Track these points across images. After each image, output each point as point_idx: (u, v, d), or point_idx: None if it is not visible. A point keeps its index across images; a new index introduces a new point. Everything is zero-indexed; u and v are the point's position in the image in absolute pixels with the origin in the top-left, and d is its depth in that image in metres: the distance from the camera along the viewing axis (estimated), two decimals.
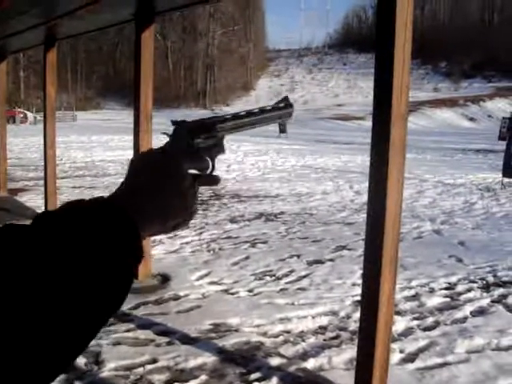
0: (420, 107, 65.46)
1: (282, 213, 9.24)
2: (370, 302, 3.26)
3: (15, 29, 6.91)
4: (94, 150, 19.82)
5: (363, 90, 74.64)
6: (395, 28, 2.83)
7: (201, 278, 5.72)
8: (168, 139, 0.86)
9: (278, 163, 17.31)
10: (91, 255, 0.62)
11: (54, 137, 7.93)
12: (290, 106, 1.02)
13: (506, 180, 13.16)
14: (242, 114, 0.95)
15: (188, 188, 0.80)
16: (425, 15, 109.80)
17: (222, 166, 16.08)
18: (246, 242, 7.23)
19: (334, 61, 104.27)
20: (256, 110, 0.97)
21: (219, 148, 0.89)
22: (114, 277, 0.64)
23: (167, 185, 0.78)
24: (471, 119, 66.28)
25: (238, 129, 0.93)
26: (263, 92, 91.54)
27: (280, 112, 1.01)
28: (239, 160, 17.84)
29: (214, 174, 0.87)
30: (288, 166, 16.47)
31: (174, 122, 0.87)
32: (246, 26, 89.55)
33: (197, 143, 0.86)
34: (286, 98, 1.02)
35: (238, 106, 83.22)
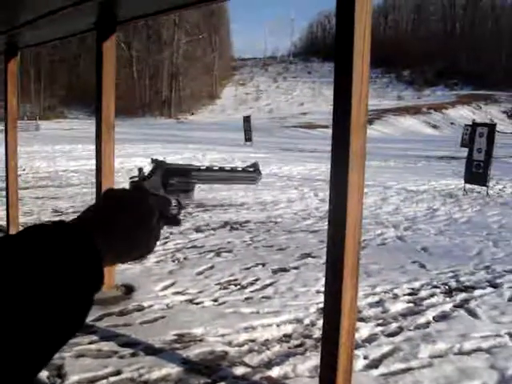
0: (384, 115, 66.20)
1: (247, 221, 9.24)
2: (332, 311, 3.28)
3: None
4: (58, 160, 19.56)
5: (328, 98, 75.18)
6: (353, 38, 2.86)
7: (165, 288, 5.69)
8: (140, 173, 0.89)
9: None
10: (48, 281, 0.62)
11: (16, 147, 7.81)
12: (259, 172, 1.10)
13: (468, 186, 13.39)
14: (215, 168, 0.99)
15: (155, 225, 0.83)
16: (388, 24, 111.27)
17: None
18: (211, 251, 7.21)
19: (299, 69, 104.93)
20: (228, 168, 1.05)
21: (189, 194, 0.93)
22: (72, 302, 0.65)
23: (138, 221, 0.80)
24: (434, 127, 67.23)
25: (208, 181, 0.98)
26: (228, 101, 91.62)
27: (248, 175, 1.09)
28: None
29: (179, 217, 0.91)
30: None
31: (153, 161, 0.91)
32: (210, 34, 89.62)
33: (170, 184, 0.88)
34: (255, 165, 1.08)
35: (204, 114, 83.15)
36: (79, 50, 77.73)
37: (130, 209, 0.80)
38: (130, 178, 0.90)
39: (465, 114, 68.97)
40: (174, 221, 0.92)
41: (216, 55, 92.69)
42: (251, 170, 1.08)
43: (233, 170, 1.05)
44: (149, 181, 0.89)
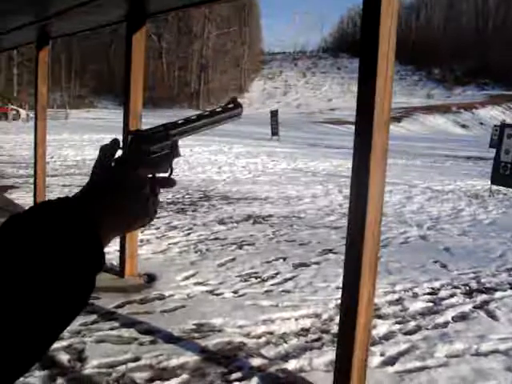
0: (413, 113, 65.70)
1: (270, 215, 9.28)
2: (349, 307, 3.31)
3: (9, 26, 6.93)
4: (86, 149, 19.80)
5: (356, 94, 74.86)
6: (379, 37, 2.88)
7: (187, 278, 5.76)
8: (125, 147, 0.88)
9: (268, 166, 17.35)
10: (50, 261, 0.66)
11: (45, 135, 7.95)
12: (240, 106, 1.06)
13: (495, 187, 13.26)
14: (193, 117, 0.99)
15: (148, 194, 0.86)
16: (420, 21, 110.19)
17: (213, 167, 16.14)
18: (234, 243, 7.27)
19: (328, 65, 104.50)
20: (206, 113, 1.02)
21: (174, 152, 0.93)
22: (74, 280, 0.67)
23: (128, 194, 0.83)
24: (463, 126, 66.56)
25: (190, 132, 0.96)
26: (257, 95, 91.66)
27: (230, 113, 1.05)
28: (230, 162, 17.87)
29: (172, 177, 0.92)
30: (278, 169, 16.51)
31: (129, 132, 0.91)
32: (240, 28, 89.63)
33: (153, 150, 0.90)
34: (234, 99, 1.06)
35: None
36: (111, 39, 78.22)
37: (116, 185, 0.82)
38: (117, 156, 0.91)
39: (495, 115, 68.21)
40: (169, 182, 0.92)
41: (245, 49, 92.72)
42: (231, 106, 1.05)
43: (212, 112, 1.03)
44: (128, 155, 0.89)
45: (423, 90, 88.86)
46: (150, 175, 0.88)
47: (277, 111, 32.22)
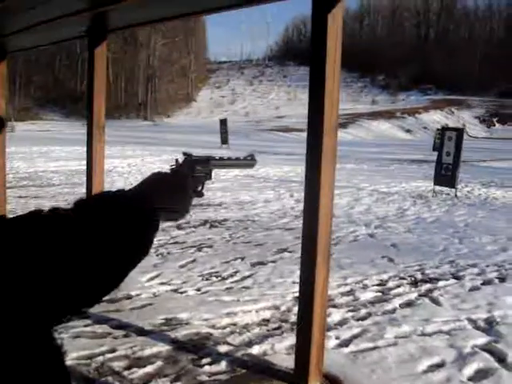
0: (358, 119, 67.00)
1: (225, 220, 9.65)
2: (306, 290, 3.71)
3: None
4: (36, 161, 19.77)
5: (303, 101, 75.88)
6: (326, 52, 3.30)
7: (151, 279, 6.07)
8: (178, 163, 1.34)
9: (220, 173, 17.70)
10: (140, 220, 1.05)
11: (4, 147, 8.12)
12: (255, 160, 1.56)
13: (438, 188, 13.94)
14: (225, 157, 1.45)
15: (189, 197, 1.28)
16: (363, 29, 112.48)
17: None
18: (193, 246, 7.61)
19: (275, 73, 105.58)
20: (234, 157, 1.50)
21: (208, 176, 1.38)
22: (149, 229, 1.07)
23: (179, 193, 1.24)
24: (408, 131, 68.18)
25: (219, 167, 1.42)
26: (204, 104, 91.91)
27: (248, 162, 1.56)
28: None
29: (203, 191, 1.35)
30: (231, 176, 16.86)
31: (184, 154, 1.35)
32: (187, 37, 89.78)
33: (197, 170, 1.32)
34: (252, 155, 1.56)
35: (180, 117, 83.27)
36: (55, 50, 77.30)
37: (174, 185, 1.23)
38: (170, 166, 1.33)
39: (438, 119, 70.09)
40: (200, 194, 1.36)
41: (192, 58, 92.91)
42: (249, 158, 1.52)
43: (237, 158, 1.50)
44: (182, 168, 1.32)
45: (368, 97, 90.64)
46: (193, 187, 1.30)
47: (226, 120, 32.63)
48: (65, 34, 6.22)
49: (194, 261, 6.88)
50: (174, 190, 1.22)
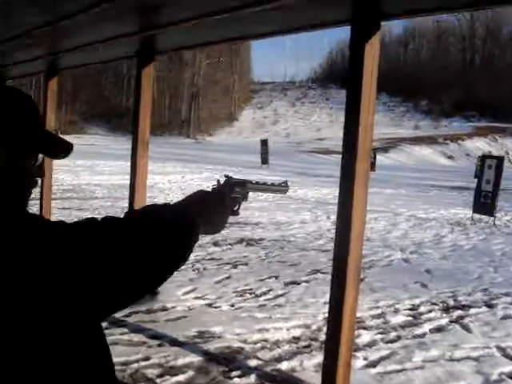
0: (400, 144, 66.62)
1: (261, 239, 9.80)
2: (336, 310, 3.82)
3: (23, 57, 7.47)
4: (80, 174, 20.27)
5: None
6: (362, 80, 3.45)
7: (186, 293, 6.24)
8: (219, 183, 1.51)
9: (258, 193, 17.87)
10: (182, 228, 1.21)
11: (51, 160, 8.44)
12: (288, 187, 1.72)
13: (477, 216, 13.86)
14: (261, 182, 1.63)
15: (226, 215, 1.44)
16: (408, 53, 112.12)
17: None
18: (228, 263, 7.77)
19: (317, 95, 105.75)
20: (269, 183, 1.66)
21: (245, 197, 1.54)
22: (188, 241, 1.22)
23: (218, 210, 1.40)
24: (450, 157, 67.51)
25: (255, 190, 1.58)
26: (246, 124, 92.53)
27: (281, 188, 1.71)
28: None
29: (239, 210, 1.52)
30: (268, 196, 17.04)
31: (225, 176, 1.53)
32: (231, 57, 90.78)
33: (235, 191, 1.50)
34: (285, 182, 1.72)
35: (221, 136, 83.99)
36: (102, 67, 78.91)
37: (215, 202, 1.40)
38: (212, 185, 1.50)
39: (481, 146, 69.25)
40: (236, 213, 1.52)
41: (236, 78, 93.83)
42: (283, 184, 1.68)
43: (272, 184, 1.65)
44: (223, 188, 1.48)
45: (411, 122, 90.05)
46: (231, 206, 1.48)
47: (267, 140, 32.90)
48: (114, 54, 6.51)
49: (229, 277, 7.04)
50: (214, 207, 1.39)
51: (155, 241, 1.15)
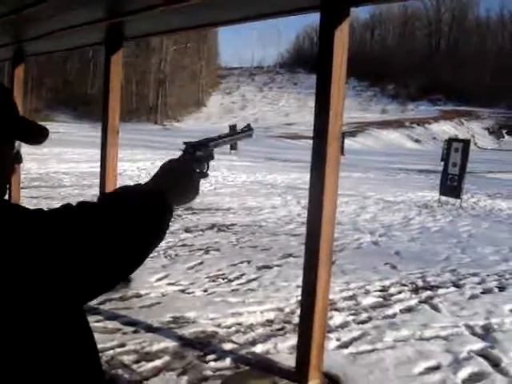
0: (367, 128, 67.12)
1: (232, 224, 9.84)
2: (308, 293, 3.89)
3: None
4: (48, 162, 20.04)
5: (313, 109, 76.13)
6: (332, 65, 3.49)
7: (159, 279, 6.27)
8: (182, 152, 1.47)
9: (229, 179, 17.89)
10: (154, 203, 1.24)
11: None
12: (251, 129, 1.68)
13: (444, 198, 14.09)
14: (223, 135, 1.58)
15: (195, 180, 1.43)
16: (374, 39, 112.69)
17: None
18: (200, 249, 7.80)
19: (285, 80, 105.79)
20: (232, 132, 1.63)
21: (211, 157, 1.52)
22: (162, 216, 1.25)
23: (184, 178, 1.40)
24: (416, 141, 68.20)
25: (221, 144, 1.55)
26: (214, 109, 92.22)
27: (246, 133, 1.66)
28: None
29: (207, 171, 1.50)
30: (239, 182, 17.07)
31: (184, 143, 1.50)
32: (199, 43, 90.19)
33: (198, 154, 1.47)
34: (249, 125, 1.66)
35: (189, 122, 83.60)
36: (67, 53, 77.76)
37: (180, 171, 1.40)
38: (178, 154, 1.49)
39: (447, 129, 70.09)
40: (205, 175, 1.50)
41: (203, 64, 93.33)
42: (246, 128, 1.68)
43: (235, 132, 1.65)
44: (184, 155, 1.47)
45: (378, 106, 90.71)
46: (197, 169, 1.45)
47: (235, 126, 32.80)
48: (82, 41, 6.45)
49: (201, 263, 7.08)
50: (181, 176, 1.39)
51: (130, 222, 1.17)
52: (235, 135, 1.65)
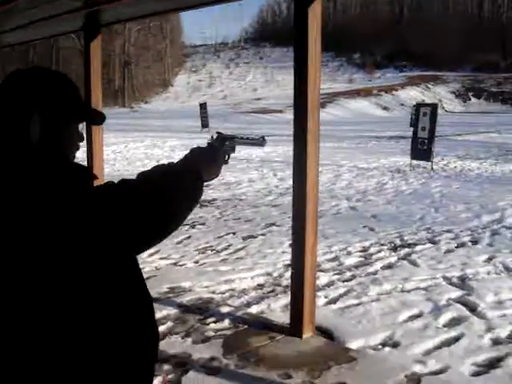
0: (336, 98, 67.42)
1: (214, 199, 10.13)
2: (298, 253, 4.21)
3: None
4: None
5: (280, 83, 76.14)
6: (308, 41, 3.78)
7: (151, 255, 6.53)
8: (213, 138, 1.82)
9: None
10: (190, 180, 1.53)
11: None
12: (265, 141, 1.99)
13: (415, 162, 14.52)
14: (245, 137, 1.92)
15: (221, 164, 1.76)
16: (337, 8, 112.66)
17: (151, 161, 16.74)
18: (186, 224, 8.07)
19: (251, 55, 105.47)
20: (251, 137, 1.97)
21: (233, 149, 1.85)
22: (196, 188, 1.55)
23: (214, 160, 1.72)
24: (385, 108, 68.73)
25: (240, 144, 1.89)
26: (182, 88, 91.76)
27: (261, 141, 1.98)
28: (167, 155, 18.53)
29: (228, 160, 1.83)
30: None
31: (217, 132, 1.83)
32: (161, 22, 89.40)
33: (226, 144, 1.81)
34: (263, 137, 2.00)
35: (157, 102, 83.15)
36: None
37: (211, 155, 1.72)
38: (207, 140, 1.81)
39: (414, 95, 70.64)
40: (226, 162, 1.84)
41: (168, 43, 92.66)
42: (261, 138, 2.00)
43: (253, 138, 1.97)
44: (215, 142, 1.79)
45: (344, 75, 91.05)
46: (224, 157, 1.79)
47: (205, 104, 32.96)
48: (61, 29, 6.62)
49: (189, 237, 7.37)
50: (211, 159, 1.71)
51: (171, 193, 1.46)
52: (253, 140, 1.97)
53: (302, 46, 3.84)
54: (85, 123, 1.65)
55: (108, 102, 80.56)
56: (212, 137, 1.85)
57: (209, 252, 6.71)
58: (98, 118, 1.61)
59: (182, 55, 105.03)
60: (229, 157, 1.85)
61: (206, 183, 1.63)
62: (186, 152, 1.72)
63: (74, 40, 76.56)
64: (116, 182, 1.47)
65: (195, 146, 1.76)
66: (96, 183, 1.53)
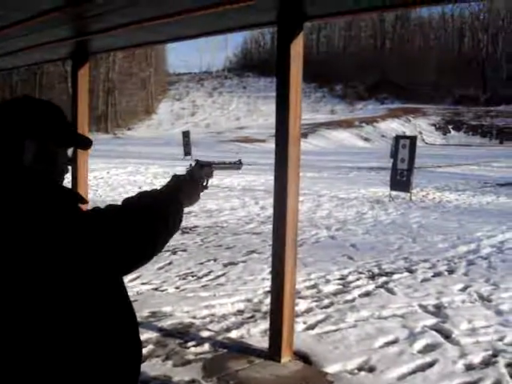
0: (317, 129, 67.99)
1: (196, 226, 10.23)
2: (277, 280, 4.33)
3: None
4: None
5: (263, 112, 76.69)
6: (289, 74, 3.95)
7: (132, 280, 6.61)
8: (192, 166, 1.92)
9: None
10: (172, 206, 1.65)
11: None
12: (242, 164, 2.10)
13: (394, 193, 14.74)
14: (221, 162, 2.04)
15: (200, 190, 1.88)
16: (320, 40, 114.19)
17: (134, 187, 16.81)
18: (168, 250, 8.17)
19: (234, 84, 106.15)
20: (227, 162, 2.09)
21: (211, 175, 1.96)
22: (177, 215, 1.67)
23: (193, 187, 1.84)
24: (366, 139, 69.37)
25: (218, 169, 2.00)
26: (165, 116, 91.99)
27: (238, 165, 2.10)
28: (149, 182, 18.61)
29: (207, 185, 1.94)
30: None
31: (195, 160, 1.94)
32: (146, 50, 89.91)
33: (204, 171, 1.92)
34: (239, 160, 2.12)
35: (141, 129, 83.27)
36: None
37: (190, 181, 1.83)
38: (186, 168, 1.92)
39: (395, 127, 71.43)
40: (206, 187, 1.95)
41: (152, 70, 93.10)
42: (237, 162, 2.11)
43: (230, 163, 2.08)
44: (193, 170, 1.91)
45: (327, 107, 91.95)
46: (203, 182, 1.91)
47: (188, 132, 33.18)
48: (49, 56, 6.75)
49: (170, 263, 7.45)
50: (190, 186, 1.83)
51: (155, 219, 1.57)
52: (229, 165, 2.08)
53: (283, 77, 4.00)
54: (72, 148, 1.77)
55: (91, 128, 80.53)
56: (191, 164, 1.96)
57: (190, 278, 6.80)
58: (85, 143, 1.73)
59: (166, 83, 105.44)
60: (207, 182, 1.97)
61: (186, 209, 1.75)
62: (168, 179, 1.84)
63: (59, 65, 76.65)
64: (103, 207, 1.59)
65: (176, 173, 1.88)
66: (84, 207, 1.63)
